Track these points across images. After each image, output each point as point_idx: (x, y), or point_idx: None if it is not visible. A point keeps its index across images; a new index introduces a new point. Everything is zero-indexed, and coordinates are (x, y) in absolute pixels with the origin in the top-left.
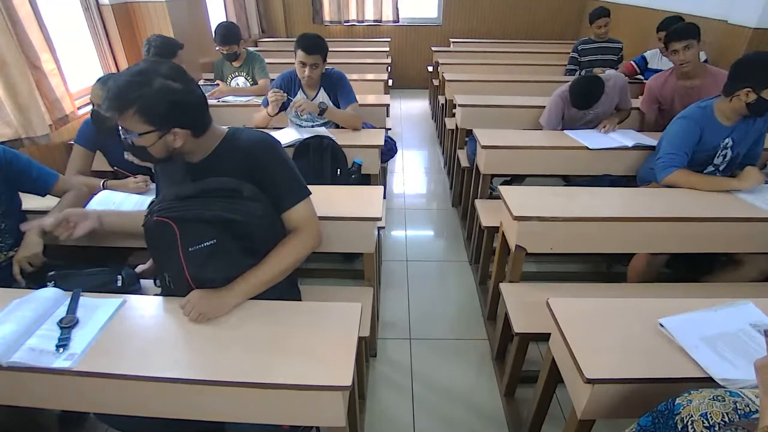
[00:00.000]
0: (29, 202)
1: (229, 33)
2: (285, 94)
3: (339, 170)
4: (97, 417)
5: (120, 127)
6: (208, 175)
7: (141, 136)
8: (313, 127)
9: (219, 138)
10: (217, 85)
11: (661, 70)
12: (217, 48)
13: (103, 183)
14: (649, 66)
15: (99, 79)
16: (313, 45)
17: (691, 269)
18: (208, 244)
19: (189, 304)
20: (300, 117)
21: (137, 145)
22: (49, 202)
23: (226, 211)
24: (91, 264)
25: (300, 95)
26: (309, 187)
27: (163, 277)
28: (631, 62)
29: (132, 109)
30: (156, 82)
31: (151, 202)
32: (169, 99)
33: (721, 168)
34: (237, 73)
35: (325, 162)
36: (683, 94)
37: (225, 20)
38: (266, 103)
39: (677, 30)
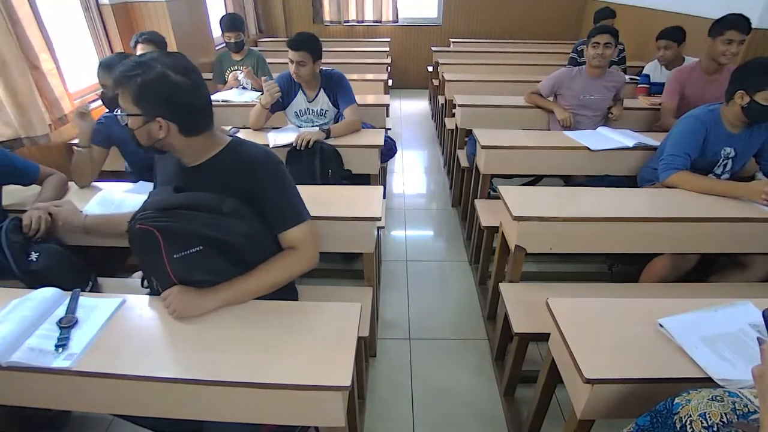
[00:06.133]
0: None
1: (236, 19)
2: (279, 90)
3: (330, 171)
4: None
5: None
6: (201, 181)
7: (129, 117)
8: (313, 127)
9: (219, 146)
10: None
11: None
12: (223, 37)
13: (76, 145)
14: (652, 80)
15: (100, 64)
16: (299, 42)
17: (690, 270)
18: (194, 250)
19: (170, 297)
20: (300, 117)
21: (128, 125)
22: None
23: (205, 227)
24: (90, 265)
25: (304, 129)
26: (304, 187)
27: (151, 281)
28: (640, 86)
29: (125, 87)
30: (156, 69)
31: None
32: (161, 88)
33: (722, 179)
34: (237, 67)
35: (315, 164)
36: (705, 87)
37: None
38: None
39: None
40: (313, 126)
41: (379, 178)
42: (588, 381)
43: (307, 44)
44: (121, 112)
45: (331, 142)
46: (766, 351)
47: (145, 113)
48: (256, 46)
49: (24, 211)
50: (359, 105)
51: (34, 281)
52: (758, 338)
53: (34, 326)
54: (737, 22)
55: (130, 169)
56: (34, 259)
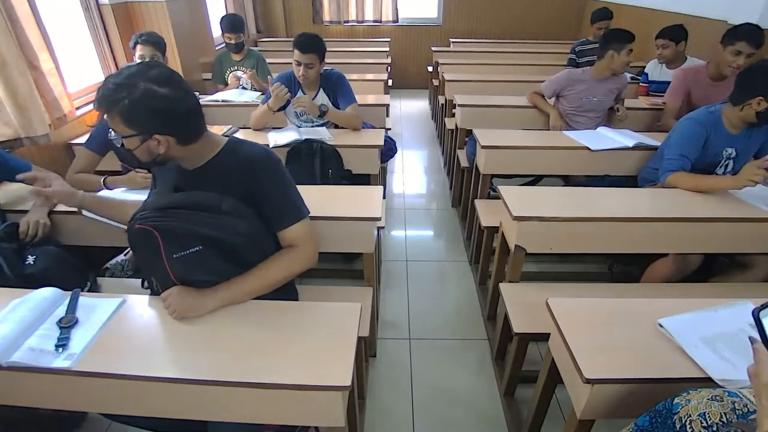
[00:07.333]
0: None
1: (236, 20)
2: (288, 92)
3: (330, 171)
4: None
5: (110, 128)
6: (201, 184)
7: (125, 139)
8: (313, 127)
9: (216, 147)
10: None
11: (665, 81)
12: (223, 38)
13: (104, 180)
14: (651, 79)
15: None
16: (308, 44)
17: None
18: (193, 250)
19: (170, 297)
20: (300, 117)
21: (125, 147)
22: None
23: (204, 226)
24: (89, 265)
25: (300, 95)
26: (304, 187)
27: (151, 281)
28: (640, 84)
29: (115, 111)
30: (141, 87)
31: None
32: (151, 105)
33: None
34: (237, 67)
35: (315, 165)
36: (711, 91)
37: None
38: (266, 100)
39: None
40: (312, 126)
41: (379, 178)
42: (588, 381)
43: (316, 47)
44: (115, 135)
45: (331, 142)
46: (758, 351)
47: (140, 133)
48: (256, 46)
49: (23, 212)
50: (359, 105)
51: (31, 284)
52: (750, 338)
53: (34, 326)
54: (750, 34)
55: (124, 170)
56: (31, 262)
